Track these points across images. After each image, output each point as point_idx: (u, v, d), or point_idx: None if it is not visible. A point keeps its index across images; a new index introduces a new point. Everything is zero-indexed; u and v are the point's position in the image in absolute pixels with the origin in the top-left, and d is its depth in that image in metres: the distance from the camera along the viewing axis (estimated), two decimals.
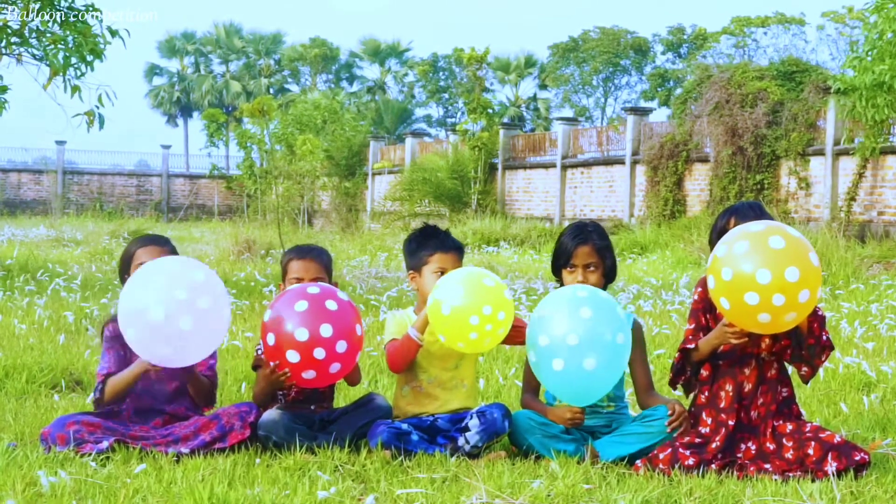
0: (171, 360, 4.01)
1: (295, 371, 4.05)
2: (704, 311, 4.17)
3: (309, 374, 4.06)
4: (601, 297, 4.09)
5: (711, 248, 4.26)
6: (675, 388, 4.31)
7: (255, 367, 4.44)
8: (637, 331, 4.36)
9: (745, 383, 4.13)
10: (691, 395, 4.30)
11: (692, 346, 4.12)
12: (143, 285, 3.96)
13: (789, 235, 3.79)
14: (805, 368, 4.11)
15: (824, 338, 4.04)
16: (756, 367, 4.13)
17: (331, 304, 4.07)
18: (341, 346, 4.05)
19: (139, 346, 3.97)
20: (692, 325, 4.20)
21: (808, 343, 4.02)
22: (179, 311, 3.89)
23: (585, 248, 4.32)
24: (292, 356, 4.02)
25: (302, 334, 4.00)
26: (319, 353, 4.01)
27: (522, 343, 4.44)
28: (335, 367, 4.07)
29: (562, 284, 4.39)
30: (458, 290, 4.09)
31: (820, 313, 4.05)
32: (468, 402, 4.41)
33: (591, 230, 4.42)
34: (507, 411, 4.22)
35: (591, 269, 4.33)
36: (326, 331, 4.01)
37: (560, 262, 4.38)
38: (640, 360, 4.35)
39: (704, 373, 4.18)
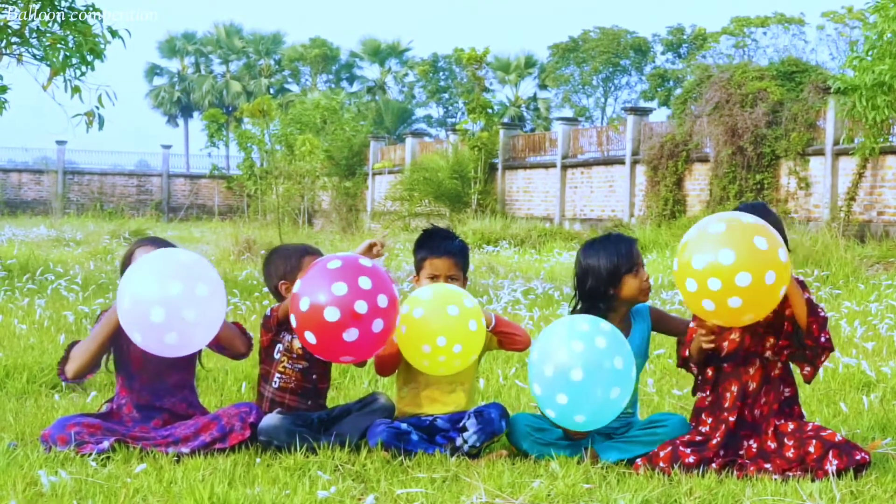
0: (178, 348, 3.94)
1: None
2: None
3: (332, 315, 3.83)
4: (596, 351, 3.89)
5: None
6: (681, 365, 4.33)
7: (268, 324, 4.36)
8: (654, 312, 4.42)
9: (749, 382, 4.13)
10: (695, 399, 4.31)
11: (685, 355, 4.18)
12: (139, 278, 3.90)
13: (735, 221, 3.76)
14: (807, 368, 4.11)
15: (823, 339, 4.02)
16: (760, 366, 4.13)
17: (360, 307, 3.89)
18: (377, 326, 3.88)
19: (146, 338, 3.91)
20: (695, 323, 4.19)
21: (806, 344, 4.03)
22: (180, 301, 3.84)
23: (637, 246, 4.34)
24: (331, 314, 3.82)
25: (340, 288, 3.83)
26: (361, 307, 3.83)
27: (519, 349, 4.44)
28: (378, 325, 3.87)
29: (608, 306, 4.26)
30: (418, 312, 4.03)
31: (822, 314, 4.04)
32: (467, 404, 4.40)
33: (617, 233, 4.43)
34: (504, 411, 4.21)
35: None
36: (383, 301, 3.88)
37: (623, 271, 4.22)
38: (673, 323, 4.45)
39: (710, 372, 4.19)
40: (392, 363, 4.31)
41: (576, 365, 3.86)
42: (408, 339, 4.06)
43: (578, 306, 4.31)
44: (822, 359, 4.07)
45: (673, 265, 3.87)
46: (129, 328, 3.92)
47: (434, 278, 4.33)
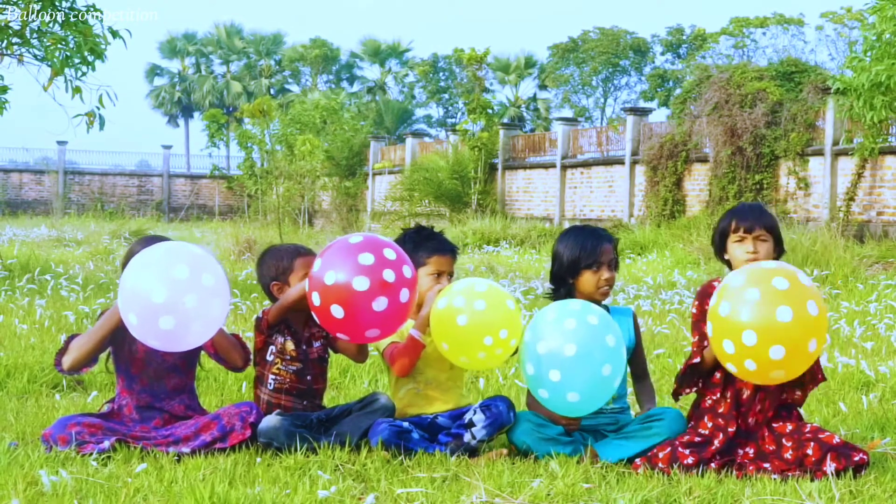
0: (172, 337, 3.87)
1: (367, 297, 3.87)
2: (706, 322, 4.16)
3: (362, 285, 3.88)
4: (588, 327, 3.97)
5: (714, 250, 4.32)
6: (677, 399, 4.32)
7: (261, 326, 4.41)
8: (637, 329, 4.46)
9: (743, 390, 4.14)
10: (693, 399, 4.32)
11: (697, 359, 4.14)
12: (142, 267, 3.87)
13: (795, 278, 3.76)
14: (798, 393, 4.15)
15: (820, 376, 4.11)
16: None
17: (388, 275, 3.93)
18: (405, 295, 3.93)
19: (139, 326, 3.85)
20: (696, 338, 4.19)
21: (803, 376, 4.05)
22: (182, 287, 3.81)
23: (609, 246, 4.36)
24: (361, 283, 3.85)
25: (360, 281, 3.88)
26: (389, 276, 3.88)
27: None
28: (405, 294, 3.93)
29: (567, 293, 4.34)
30: (480, 305, 4.02)
31: None
32: (459, 400, 4.44)
33: (597, 228, 4.47)
34: (511, 403, 4.24)
35: (613, 266, 4.38)
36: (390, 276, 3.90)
37: (583, 265, 4.30)
38: (639, 352, 4.49)
39: (718, 375, 4.17)
40: (411, 361, 4.26)
41: (569, 341, 3.91)
42: (468, 331, 4.02)
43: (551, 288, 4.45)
44: (812, 386, 4.13)
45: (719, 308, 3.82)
46: (126, 308, 3.86)
47: (440, 275, 4.37)
